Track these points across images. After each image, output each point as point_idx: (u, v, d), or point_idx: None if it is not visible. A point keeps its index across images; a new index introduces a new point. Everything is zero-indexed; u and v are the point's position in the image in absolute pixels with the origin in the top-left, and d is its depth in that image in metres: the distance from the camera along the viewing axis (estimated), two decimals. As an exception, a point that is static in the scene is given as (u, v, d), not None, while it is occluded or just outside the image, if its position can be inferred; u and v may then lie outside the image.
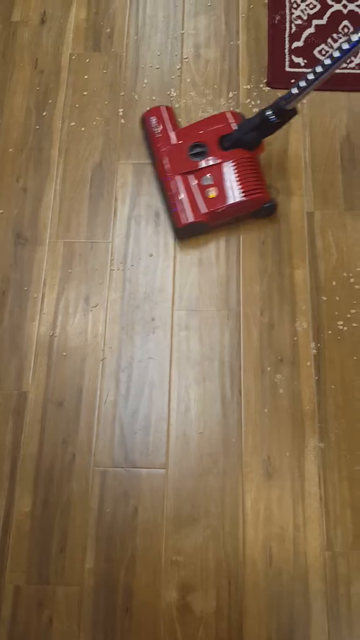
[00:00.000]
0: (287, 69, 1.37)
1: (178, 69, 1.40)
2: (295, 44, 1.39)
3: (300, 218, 1.26)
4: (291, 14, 1.42)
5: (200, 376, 1.16)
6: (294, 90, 1.10)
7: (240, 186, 1.21)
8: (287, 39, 1.39)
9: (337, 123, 1.34)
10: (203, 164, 1.22)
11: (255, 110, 1.32)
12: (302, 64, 1.37)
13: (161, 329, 1.20)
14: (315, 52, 1.38)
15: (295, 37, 1.39)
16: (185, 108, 1.36)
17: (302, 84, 1.09)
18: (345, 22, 1.40)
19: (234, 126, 1.24)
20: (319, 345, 1.17)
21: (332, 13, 1.41)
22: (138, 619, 1.02)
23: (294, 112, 1.16)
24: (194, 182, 1.22)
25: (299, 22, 1.41)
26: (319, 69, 1.07)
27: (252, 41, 1.41)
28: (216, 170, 1.22)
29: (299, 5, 1.42)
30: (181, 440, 1.12)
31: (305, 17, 1.41)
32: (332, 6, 1.42)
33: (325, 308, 1.20)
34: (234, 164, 1.21)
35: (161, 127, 1.28)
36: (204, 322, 1.20)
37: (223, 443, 1.12)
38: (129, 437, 1.12)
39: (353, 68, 1.37)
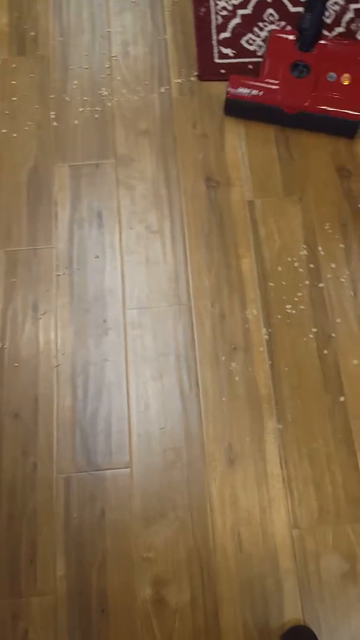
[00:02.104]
0: (217, 60, 1.38)
1: (107, 67, 1.40)
2: (223, 35, 1.40)
3: (242, 207, 1.28)
4: (215, 5, 1.42)
5: (157, 372, 1.17)
6: None
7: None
8: (213, 31, 1.40)
9: (269, 110, 1.36)
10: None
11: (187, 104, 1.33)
12: (231, 55, 1.38)
13: (114, 329, 1.20)
14: (243, 42, 1.39)
15: (221, 28, 1.40)
16: (118, 106, 1.36)
17: None
18: (270, 10, 1.42)
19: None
20: (269, 330, 1.19)
21: (257, 2, 1.43)
22: (114, 618, 1.02)
23: None
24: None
25: (224, 13, 1.42)
26: None
27: (180, 35, 1.42)
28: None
29: (222, -4, 1.43)
30: (143, 437, 1.13)
31: (230, 8, 1.42)
32: (255, -5, 1.44)
33: (273, 294, 1.22)
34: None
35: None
36: (156, 319, 1.21)
37: (185, 436, 1.13)
38: (90, 441, 1.12)
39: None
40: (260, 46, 1.39)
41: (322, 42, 1.29)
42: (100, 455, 1.11)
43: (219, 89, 1.37)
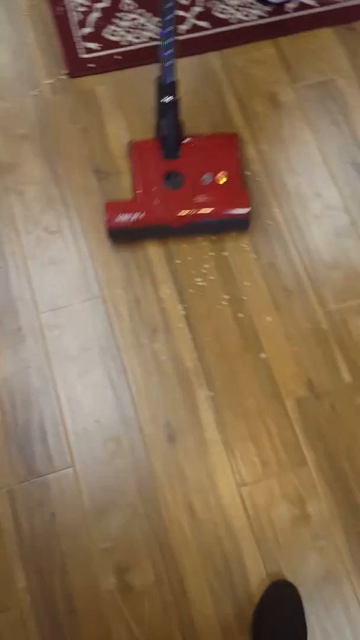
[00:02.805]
0: (83, 55, 1.40)
1: (-24, 79, 1.38)
2: (85, 31, 1.41)
3: (135, 193, 1.31)
4: (71, 2, 1.44)
5: (83, 368, 1.17)
6: (167, 63, 1.13)
7: None
8: (75, 28, 1.41)
9: (145, 96, 1.37)
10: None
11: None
12: (97, 48, 1.40)
13: (30, 336, 1.19)
14: (106, 34, 1.41)
15: (82, 24, 1.42)
16: (-6, 116, 1.35)
17: (164, 53, 1.12)
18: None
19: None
20: (185, 305, 1.22)
21: (112, -6, 1.46)
22: (84, 616, 1.02)
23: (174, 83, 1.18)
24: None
25: (82, 9, 1.43)
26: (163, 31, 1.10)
27: (42, 36, 1.42)
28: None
29: (77, -7, 1.45)
30: (81, 435, 1.13)
31: (87, 3, 1.44)
32: (109, -13, 1.46)
33: (181, 270, 1.25)
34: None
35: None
36: (72, 317, 1.21)
37: (121, 423, 1.14)
38: (27, 450, 1.11)
39: (145, 41, 1.42)
40: (123, 36, 1.41)
41: (185, 141, 1.25)
42: (40, 462, 1.10)
43: (92, 83, 1.38)
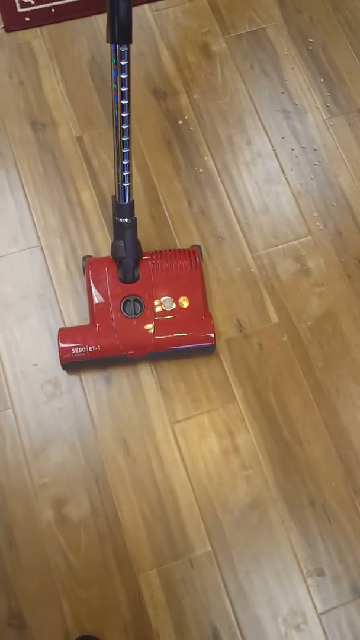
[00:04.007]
0: (20, 9, 1.40)
1: None
2: (20, -17, 1.42)
3: (72, 144, 1.32)
4: None
5: (21, 315, 1.20)
6: (125, 184, 1.02)
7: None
8: (10, -20, 1.41)
9: (80, 48, 1.39)
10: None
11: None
12: (32, 2, 1.40)
13: (-32, 284, 1.22)
14: (41, -13, 1.42)
15: (17, -24, 1.42)
16: None
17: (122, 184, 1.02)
18: None
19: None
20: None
21: None
22: (23, 548, 1.07)
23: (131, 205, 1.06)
24: None
25: None
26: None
27: (-23, -11, 1.42)
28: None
29: None
30: (20, 377, 1.16)
31: None
32: None
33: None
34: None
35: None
36: (9, 266, 1.23)
37: (58, 366, 1.17)
38: (-34, 392, 1.15)
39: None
40: (58, -12, 1.42)
41: (145, 258, 1.15)
42: (-22, 404, 1.14)
43: (28, 37, 1.39)
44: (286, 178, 1.31)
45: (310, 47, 1.41)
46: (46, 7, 1.41)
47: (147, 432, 1.14)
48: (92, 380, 1.16)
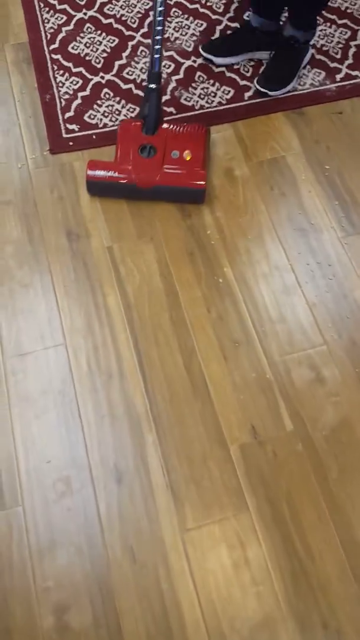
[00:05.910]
0: (64, 135, 1.58)
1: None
2: (67, 115, 1.61)
3: (102, 253, 1.43)
4: (59, 91, 1.65)
5: (40, 410, 1.24)
6: (156, 55, 1.41)
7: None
8: (59, 112, 1.61)
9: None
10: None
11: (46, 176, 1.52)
12: (76, 129, 1.59)
13: (-6, 378, 1.27)
14: (85, 117, 1.61)
15: (66, 109, 1.62)
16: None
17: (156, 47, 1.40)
18: (106, 90, 1.66)
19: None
20: (140, 354, 1.30)
21: (94, 84, 1.67)
22: (19, 656, 1.02)
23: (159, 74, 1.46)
24: None
25: (66, 97, 1.64)
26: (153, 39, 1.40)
27: (30, 119, 1.62)
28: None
29: (64, 84, 1.66)
30: (32, 474, 1.18)
31: (71, 92, 1.65)
32: (91, 79, 1.68)
33: (138, 322, 1.34)
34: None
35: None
36: (34, 361, 1.29)
37: (72, 464, 1.18)
38: (-20, 486, 1.16)
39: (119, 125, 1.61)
40: (100, 119, 1.61)
41: (165, 125, 1.50)
42: (-9, 498, 1.15)
43: (70, 158, 1.56)
44: (302, 290, 1.38)
45: (326, 173, 1.54)
46: (88, 134, 1.59)
47: (156, 539, 1.11)
48: (104, 480, 1.16)
